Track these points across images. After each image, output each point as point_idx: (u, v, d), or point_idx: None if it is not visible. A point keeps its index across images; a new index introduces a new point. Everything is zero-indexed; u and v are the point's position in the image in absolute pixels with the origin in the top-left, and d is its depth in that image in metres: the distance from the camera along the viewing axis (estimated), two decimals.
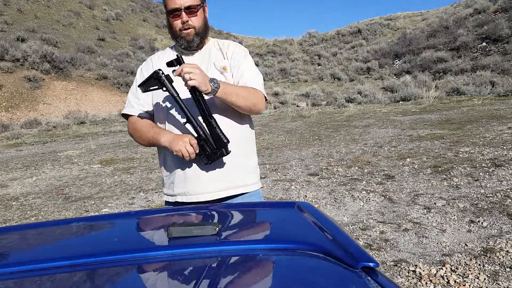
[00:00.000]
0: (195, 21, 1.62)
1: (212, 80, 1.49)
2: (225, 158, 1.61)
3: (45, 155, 9.32)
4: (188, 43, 1.63)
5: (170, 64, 1.49)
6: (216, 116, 1.59)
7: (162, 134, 1.57)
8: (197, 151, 1.50)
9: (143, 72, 1.71)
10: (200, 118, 1.53)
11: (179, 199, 1.65)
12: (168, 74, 1.50)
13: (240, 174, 1.67)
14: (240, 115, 1.68)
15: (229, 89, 1.54)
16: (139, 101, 1.67)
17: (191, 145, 1.49)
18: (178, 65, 1.47)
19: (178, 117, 1.62)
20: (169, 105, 1.64)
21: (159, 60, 1.71)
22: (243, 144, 1.70)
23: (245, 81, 1.64)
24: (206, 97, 1.53)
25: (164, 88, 1.50)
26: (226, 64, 1.68)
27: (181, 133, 1.60)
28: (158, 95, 1.63)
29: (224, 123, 1.61)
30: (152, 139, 1.61)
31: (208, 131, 1.53)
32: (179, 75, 1.45)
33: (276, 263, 0.82)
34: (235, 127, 1.66)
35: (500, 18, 17.75)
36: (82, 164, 7.74)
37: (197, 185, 1.61)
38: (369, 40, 26.71)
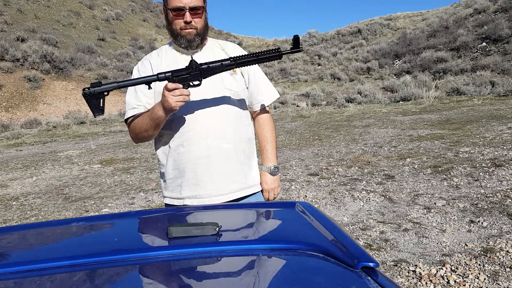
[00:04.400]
0: (198, 22, 1.59)
1: (275, 171, 1.74)
2: (236, 159, 1.64)
3: (45, 155, 9.32)
4: (189, 43, 1.61)
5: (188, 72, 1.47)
6: (222, 118, 1.62)
7: (153, 107, 1.54)
8: (180, 86, 1.45)
9: (140, 73, 1.66)
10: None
11: (189, 202, 1.61)
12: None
13: (250, 174, 1.70)
14: (244, 118, 1.70)
15: (276, 153, 1.79)
16: (140, 102, 1.63)
17: (175, 89, 1.43)
18: (193, 71, 1.46)
19: (186, 114, 1.60)
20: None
21: (160, 60, 1.66)
22: (249, 145, 1.73)
23: (263, 96, 1.76)
24: (214, 94, 1.62)
25: (192, 83, 1.47)
26: (237, 72, 1.68)
27: (189, 129, 1.60)
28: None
29: (230, 125, 1.63)
30: (150, 119, 1.55)
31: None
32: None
33: (276, 263, 0.82)
34: (241, 128, 1.68)
35: (500, 18, 17.75)
36: (82, 164, 7.74)
37: (211, 187, 1.59)
38: (369, 40, 26.70)
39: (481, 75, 14.67)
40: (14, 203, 5.30)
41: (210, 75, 1.49)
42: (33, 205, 5.13)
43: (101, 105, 1.48)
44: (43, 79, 19.06)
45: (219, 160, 1.59)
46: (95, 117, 1.53)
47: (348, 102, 15.05)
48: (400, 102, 14.06)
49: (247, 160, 1.69)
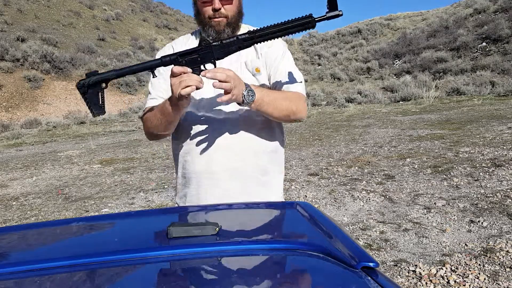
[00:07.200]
0: (229, 9, 1.36)
1: (246, 88, 1.24)
2: (245, 176, 1.42)
3: (45, 155, 9.32)
4: (217, 34, 1.37)
5: (196, 50, 1.22)
6: (233, 129, 1.40)
7: (166, 99, 1.33)
8: (189, 70, 1.20)
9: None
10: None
11: None
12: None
13: (265, 193, 1.46)
14: (265, 126, 1.44)
15: (266, 99, 1.29)
16: (158, 91, 1.44)
17: (183, 73, 1.19)
18: (202, 52, 1.22)
19: (195, 120, 1.42)
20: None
21: (185, 47, 1.42)
22: (270, 159, 1.48)
23: (288, 86, 1.41)
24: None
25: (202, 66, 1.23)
26: (260, 65, 1.42)
27: (194, 138, 1.42)
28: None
29: (242, 137, 1.41)
30: (161, 113, 1.34)
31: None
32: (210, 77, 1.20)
33: (276, 263, 0.82)
34: (258, 140, 1.44)
35: (500, 18, 17.75)
36: (82, 164, 7.74)
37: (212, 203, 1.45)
38: (369, 40, 26.70)
39: (481, 75, 14.67)
40: (14, 203, 5.30)
41: (226, 55, 1.23)
42: (33, 205, 5.13)
43: (101, 101, 1.25)
44: (43, 79, 19.06)
45: (223, 177, 1.41)
46: (94, 116, 1.29)
47: (348, 102, 15.04)
48: (400, 102, 14.06)
49: (263, 177, 1.45)
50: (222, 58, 1.23)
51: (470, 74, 15.57)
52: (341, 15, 1.17)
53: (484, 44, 17.28)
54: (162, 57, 1.24)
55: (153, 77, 1.30)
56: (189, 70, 1.19)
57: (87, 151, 9.30)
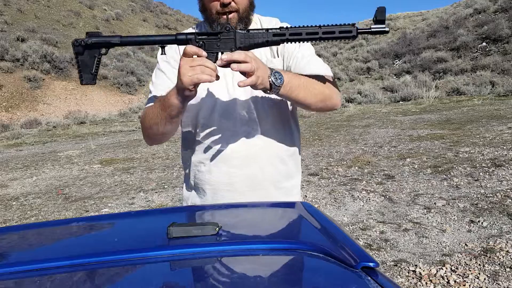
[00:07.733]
0: (240, 2, 1.20)
1: (272, 70, 1.08)
2: (266, 185, 1.34)
3: (45, 155, 9.32)
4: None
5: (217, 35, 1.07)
6: (251, 135, 1.28)
7: (168, 92, 1.15)
8: (204, 54, 1.04)
9: (167, 57, 1.32)
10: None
11: None
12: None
13: (282, 199, 1.38)
14: (285, 126, 1.34)
15: (296, 82, 1.12)
16: (158, 91, 1.29)
17: (197, 55, 1.03)
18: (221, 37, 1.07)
19: (210, 123, 1.30)
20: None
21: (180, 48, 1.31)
22: (290, 162, 1.38)
23: (312, 70, 1.23)
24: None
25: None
26: (277, 65, 1.27)
27: (210, 147, 1.30)
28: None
29: (262, 143, 1.30)
30: (161, 108, 1.16)
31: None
32: (225, 66, 1.03)
33: (276, 263, 0.82)
34: (278, 145, 1.33)
35: (500, 18, 17.74)
36: (82, 164, 7.74)
37: None
38: (369, 40, 26.69)
39: (481, 75, 14.66)
40: (14, 203, 5.30)
41: (249, 47, 1.07)
42: (33, 205, 5.13)
43: (94, 69, 1.08)
44: (43, 79, 19.06)
45: (243, 188, 1.33)
46: (82, 84, 1.10)
47: (348, 102, 15.04)
48: (400, 102, 14.06)
49: (284, 183, 1.37)
50: (245, 50, 1.06)
51: (470, 74, 15.56)
52: (387, 32, 1.03)
53: (484, 44, 17.28)
54: (177, 33, 1.09)
55: (162, 53, 1.12)
56: (204, 53, 1.04)
57: (87, 151, 9.30)
